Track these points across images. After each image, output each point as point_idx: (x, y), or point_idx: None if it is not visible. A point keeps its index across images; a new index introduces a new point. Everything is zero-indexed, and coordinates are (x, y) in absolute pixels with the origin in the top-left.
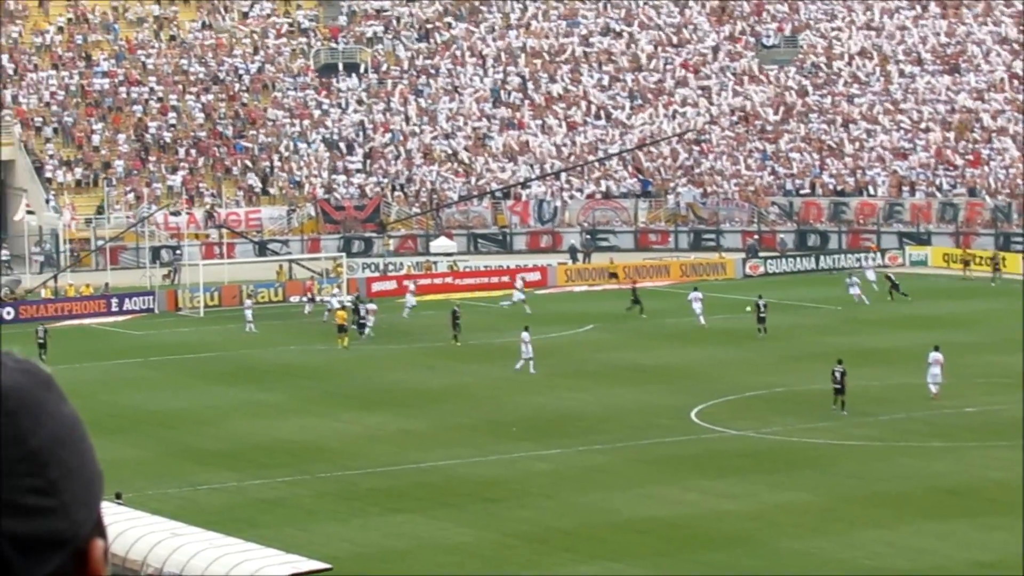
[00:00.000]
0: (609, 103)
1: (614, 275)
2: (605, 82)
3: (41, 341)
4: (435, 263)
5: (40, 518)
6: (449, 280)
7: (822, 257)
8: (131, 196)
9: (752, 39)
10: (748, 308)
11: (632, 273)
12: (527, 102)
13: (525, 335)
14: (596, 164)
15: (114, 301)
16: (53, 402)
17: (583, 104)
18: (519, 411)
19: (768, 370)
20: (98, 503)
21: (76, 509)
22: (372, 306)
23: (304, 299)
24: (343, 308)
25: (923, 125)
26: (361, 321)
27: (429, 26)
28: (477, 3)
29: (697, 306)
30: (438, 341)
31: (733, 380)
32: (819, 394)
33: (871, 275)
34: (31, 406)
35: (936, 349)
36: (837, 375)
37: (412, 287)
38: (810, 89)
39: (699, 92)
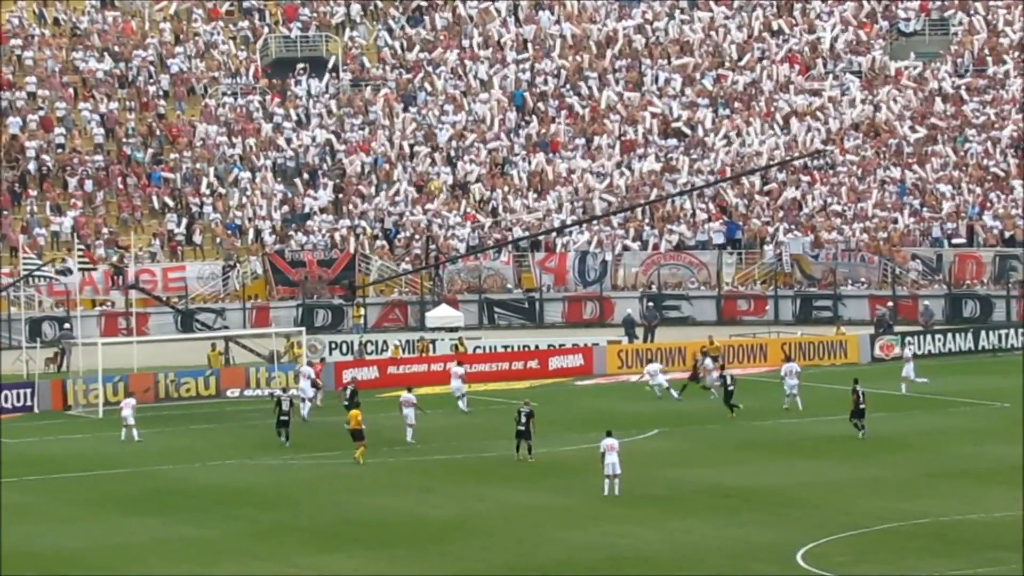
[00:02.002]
0: (682, 114)
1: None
2: (676, 85)
3: None
4: (433, 342)
5: None
6: (452, 366)
7: (983, 333)
8: (0, 246)
9: (885, 24)
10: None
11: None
12: (564, 113)
13: (611, 442)
14: (663, 202)
15: None
16: None
17: (645, 116)
18: (552, 552)
19: (904, 493)
20: None
21: None
22: (411, 397)
23: (293, 394)
24: (355, 406)
25: None
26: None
27: (424, 4)
28: None
29: (792, 381)
30: (438, 453)
31: (855, 507)
32: (977, 526)
33: (909, 370)
34: None
35: None
36: None
37: (459, 371)
38: (965, 94)
39: (810, 99)
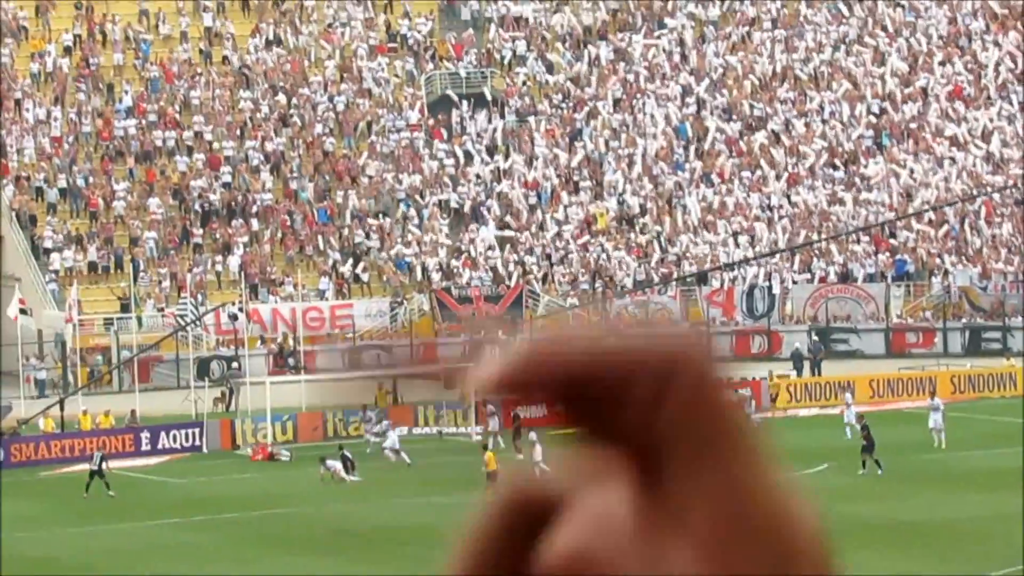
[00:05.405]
0: (847, 146)
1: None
2: (842, 115)
3: (96, 468)
4: None
5: None
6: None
7: None
8: (168, 285)
9: None
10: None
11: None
12: (730, 145)
13: None
14: (830, 238)
15: (144, 436)
16: None
17: (811, 149)
18: None
19: None
20: None
21: None
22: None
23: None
24: (491, 449)
25: None
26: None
27: (589, 39)
28: (655, 2)
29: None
30: None
31: None
32: None
33: (852, 415)
34: None
35: None
36: None
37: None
38: None
39: (975, 127)
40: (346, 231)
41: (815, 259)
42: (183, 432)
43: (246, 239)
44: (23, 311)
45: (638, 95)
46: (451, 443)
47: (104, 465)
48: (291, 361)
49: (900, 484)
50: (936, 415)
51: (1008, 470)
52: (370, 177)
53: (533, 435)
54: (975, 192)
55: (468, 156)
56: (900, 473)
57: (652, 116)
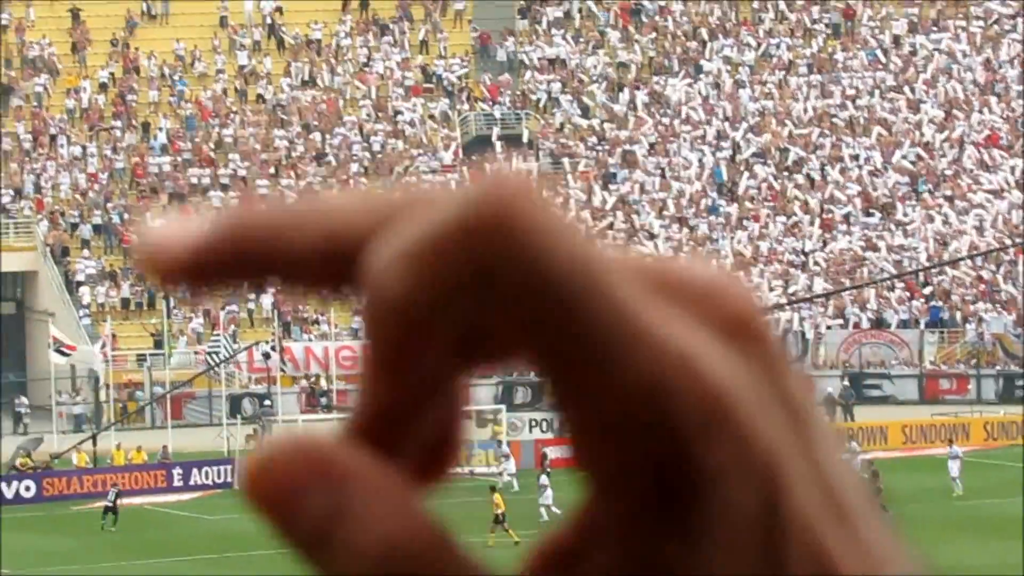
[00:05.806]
0: (882, 192)
1: None
2: (877, 162)
3: (110, 504)
4: None
5: None
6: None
7: None
8: (199, 323)
9: None
10: None
11: None
12: (765, 188)
13: None
14: (870, 284)
15: (177, 472)
16: None
17: (845, 194)
18: None
19: None
20: None
21: None
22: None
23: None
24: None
25: None
26: None
27: (625, 82)
28: (691, 46)
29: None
30: None
31: None
32: None
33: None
34: None
35: None
36: None
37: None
38: None
39: (1009, 176)
40: None
41: (849, 304)
42: (215, 469)
43: None
44: (64, 353)
45: (673, 138)
46: (468, 483)
47: (117, 501)
48: (323, 400)
49: (936, 531)
50: (954, 463)
51: None
52: None
53: (544, 478)
54: (1010, 240)
55: None
56: (936, 519)
57: (686, 159)
